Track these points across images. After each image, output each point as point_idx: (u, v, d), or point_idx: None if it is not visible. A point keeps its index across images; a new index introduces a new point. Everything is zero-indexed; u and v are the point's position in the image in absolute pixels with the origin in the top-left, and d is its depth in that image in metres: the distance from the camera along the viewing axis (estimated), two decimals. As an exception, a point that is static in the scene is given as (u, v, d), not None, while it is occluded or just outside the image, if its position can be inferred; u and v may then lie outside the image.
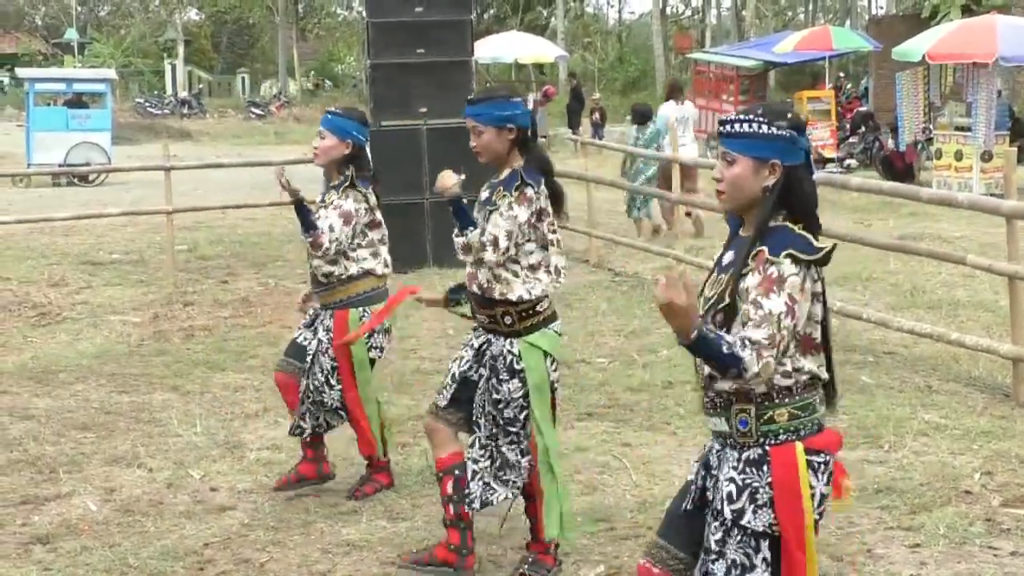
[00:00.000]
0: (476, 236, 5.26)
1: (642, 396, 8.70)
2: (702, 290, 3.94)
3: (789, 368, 3.80)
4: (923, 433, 7.69)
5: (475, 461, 5.49)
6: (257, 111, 51.08)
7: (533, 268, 5.34)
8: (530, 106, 28.47)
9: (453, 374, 5.58)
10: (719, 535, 3.86)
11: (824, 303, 3.85)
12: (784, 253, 3.70)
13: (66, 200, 21.78)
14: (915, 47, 22.01)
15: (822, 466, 3.86)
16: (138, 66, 64.03)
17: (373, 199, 6.52)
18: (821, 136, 25.15)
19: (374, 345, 6.64)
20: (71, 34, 63.51)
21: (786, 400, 3.81)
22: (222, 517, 6.51)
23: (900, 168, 22.92)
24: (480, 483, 5.47)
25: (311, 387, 6.64)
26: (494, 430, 5.44)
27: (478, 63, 18.25)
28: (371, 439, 6.74)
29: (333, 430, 6.88)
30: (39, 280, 13.67)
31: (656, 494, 6.68)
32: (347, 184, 6.47)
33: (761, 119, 3.79)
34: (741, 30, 54.19)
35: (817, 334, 3.85)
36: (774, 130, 3.78)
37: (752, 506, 3.80)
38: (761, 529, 3.80)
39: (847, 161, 25.37)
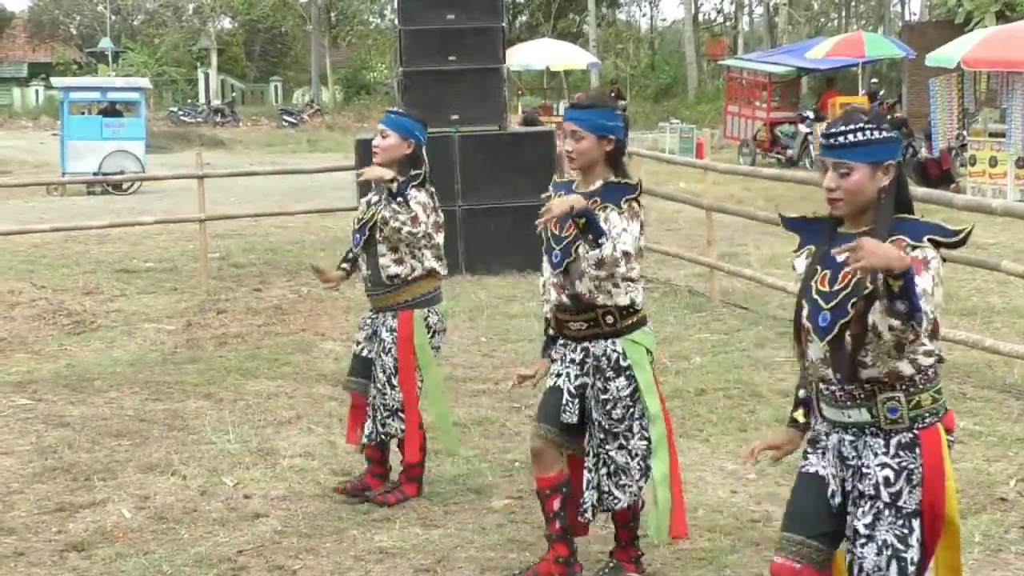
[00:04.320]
0: (610, 250, 5.02)
1: (674, 403, 8.66)
2: (812, 288, 4.02)
3: (932, 348, 3.93)
4: (958, 440, 7.60)
5: (588, 470, 5.42)
6: (290, 119, 51.26)
7: (634, 280, 5.29)
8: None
9: (568, 390, 5.42)
10: (868, 519, 3.96)
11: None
12: (926, 237, 3.86)
13: (100, 208, 21.89)
14: (950, 53, 21.91)
15: (952, 444, 4.05)
16: (172, 75, 64.36)
17: (436, 200, 6.56)
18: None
19: (434, 345, 6.71)
20: (105, 43, 63.80)
21: (928, 385, 3.96)
22: (255, 524, 6.52)
23: (934, 174, 22.80)
24: (595, 491, 5.40)
25: (375, 388, 6.70)
26: (602, 435, 5.37)
27: (510, 70, 18.29)
28: (419, 446, 6.70)
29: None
30: (74, 288, 13.74)
31: (689, 501, 6.64)
32: (419, 182, 6.48)
33: (871, 126, 3.93)
34: (773, 36, 54.03)
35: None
36: (884, 133, 3.94)
37: (908, 487, 3.94)
38: (914, 508, 3.94)
39: (881, 167, 25.21)
